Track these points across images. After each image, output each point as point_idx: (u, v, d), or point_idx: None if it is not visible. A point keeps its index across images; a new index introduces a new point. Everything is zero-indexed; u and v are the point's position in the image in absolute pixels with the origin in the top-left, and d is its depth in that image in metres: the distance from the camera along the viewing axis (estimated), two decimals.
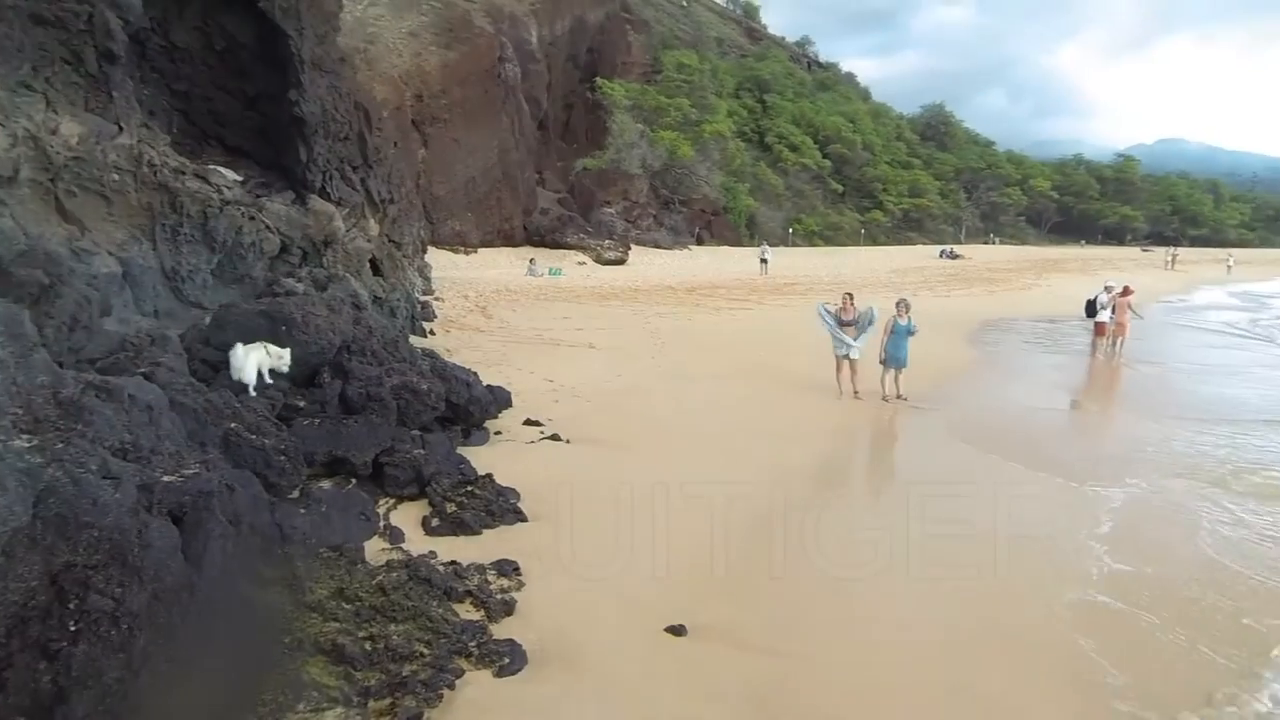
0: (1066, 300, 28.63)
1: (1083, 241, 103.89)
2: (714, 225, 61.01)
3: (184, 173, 10.54)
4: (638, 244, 46.42)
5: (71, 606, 2.95)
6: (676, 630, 5.35)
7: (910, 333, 12.53)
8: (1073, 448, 10.73)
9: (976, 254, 68.05)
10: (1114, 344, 18.18)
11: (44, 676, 2.79)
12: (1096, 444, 11.26)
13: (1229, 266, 57.93)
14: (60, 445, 3.22)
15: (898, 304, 12.97)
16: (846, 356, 12.56)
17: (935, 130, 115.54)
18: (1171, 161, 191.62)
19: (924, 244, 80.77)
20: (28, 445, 3.07)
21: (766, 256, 40.93)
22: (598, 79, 57.54)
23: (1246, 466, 9.66)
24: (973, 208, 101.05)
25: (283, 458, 6.30)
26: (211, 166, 11.49)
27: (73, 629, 2.93)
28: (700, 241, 57.21)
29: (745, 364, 15.22)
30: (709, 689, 4.73)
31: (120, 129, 10.28)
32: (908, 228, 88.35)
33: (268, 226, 10.79)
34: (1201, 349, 20.76)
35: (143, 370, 5.79)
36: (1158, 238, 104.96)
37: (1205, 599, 6.17)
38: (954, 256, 64.23)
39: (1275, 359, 19.51)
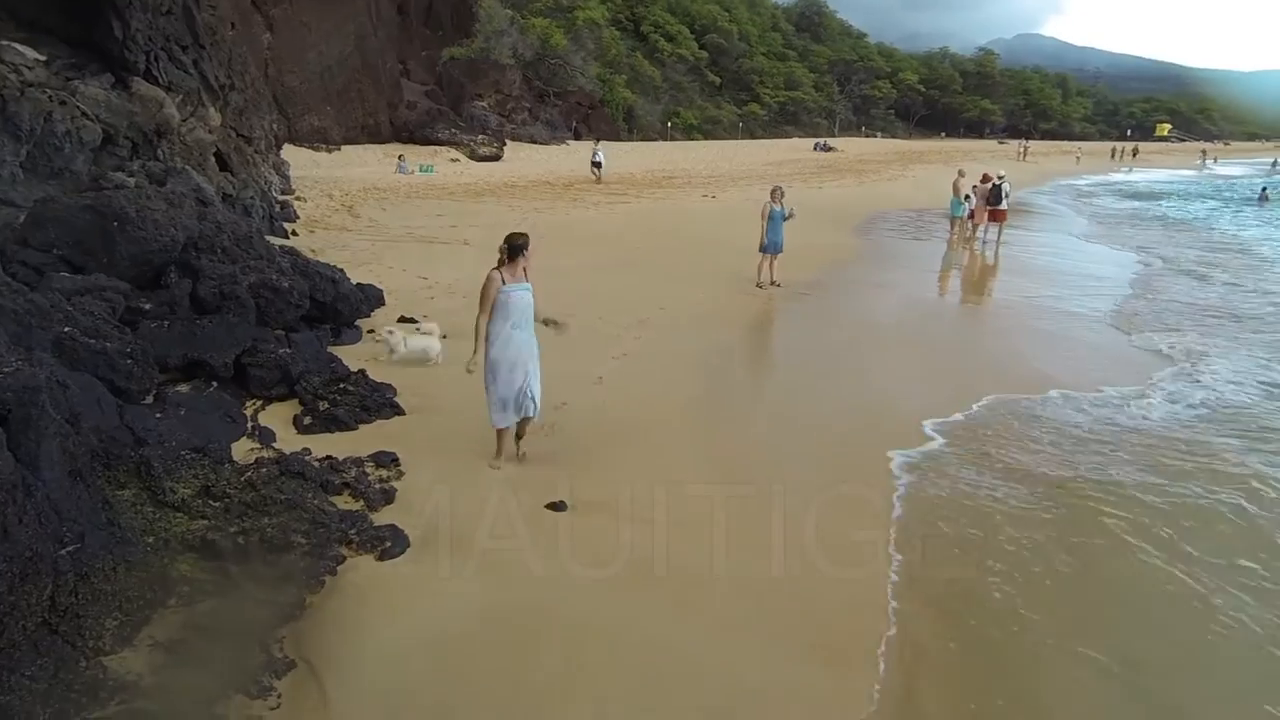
0: (928, 191, 30.02)
1: (943, 134, 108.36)
2: (591, 119, 59.33)
3: None
4: (513, 139, 44.65)
5: None
6: (557, 506, 5.49)
7: (785, 217, 12.88)
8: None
9: (849, 147, 69.75)
10: (983, 231, 19.21)
11: None
12: None
13: (1077, 158, 63.81)
14: None
15: (773, 191, 13.26)
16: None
17: (809, 21, 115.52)
18: (1028, 57, 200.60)
19: (800, 137, 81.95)
20: None
21: (599, 158, 32.91)
22: None
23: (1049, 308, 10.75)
24: (846, 101, 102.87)
25: (129, 361, 5.85)
26: (5, 43, 9.97)
27: None
28: (578, 136, 55.64)
29: (623, 256, 15.25)
30: (589, 557, 4.93)
31: None
32: (784, 121, 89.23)
33: (84, 113, 9.57)
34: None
35: None
36: (1013, 131, 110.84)
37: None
38: (828, 149, 65.59)
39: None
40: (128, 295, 7.22)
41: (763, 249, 12.94)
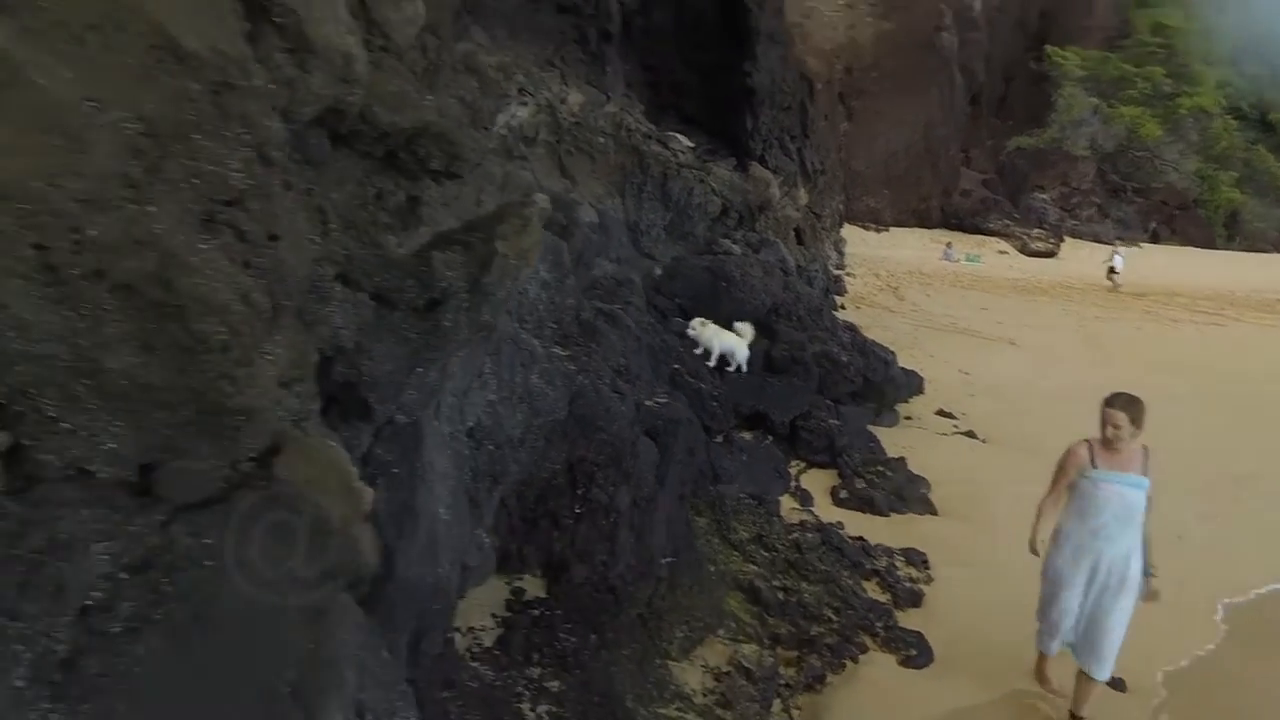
0: None
1: None
2: (1177, 220, 50.63)
3: (651, 138, 11.89)
4: (1072, 235, 40.69)
5: (579, 493, 3.56)
6: (1115, 684, 4.59)
7: None
8: None
9: None
10: None
11: (556, 542, 3.44)
12: None
13: None
14: (584, 358, 3.87)
15: None
16: None
17: None
18: None
19: None
20: (564, 354, 3.76)
21: (1117, 265, 27.92)
22: (1047, 47, 50.84)
23: None
24: None
25: (715, 403, 6.81)
26: (670, 133, 12.79)
27: (577, 510, 3.53)
28: (1156, 239, 48.07)
29: (1214, 389, 12.46)
30: None
31: (608, 99, 11.95)
32: None
33: (713, 190, 11.68)
34: None
35: (617, 307, 6.69)
36: None
37: None
38: None
39: None
40: None
41: None
